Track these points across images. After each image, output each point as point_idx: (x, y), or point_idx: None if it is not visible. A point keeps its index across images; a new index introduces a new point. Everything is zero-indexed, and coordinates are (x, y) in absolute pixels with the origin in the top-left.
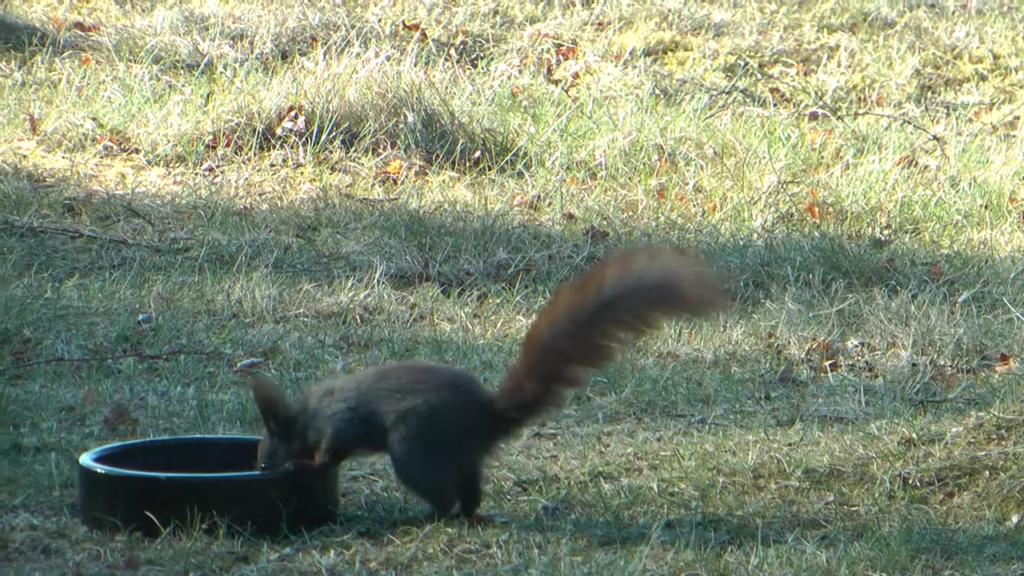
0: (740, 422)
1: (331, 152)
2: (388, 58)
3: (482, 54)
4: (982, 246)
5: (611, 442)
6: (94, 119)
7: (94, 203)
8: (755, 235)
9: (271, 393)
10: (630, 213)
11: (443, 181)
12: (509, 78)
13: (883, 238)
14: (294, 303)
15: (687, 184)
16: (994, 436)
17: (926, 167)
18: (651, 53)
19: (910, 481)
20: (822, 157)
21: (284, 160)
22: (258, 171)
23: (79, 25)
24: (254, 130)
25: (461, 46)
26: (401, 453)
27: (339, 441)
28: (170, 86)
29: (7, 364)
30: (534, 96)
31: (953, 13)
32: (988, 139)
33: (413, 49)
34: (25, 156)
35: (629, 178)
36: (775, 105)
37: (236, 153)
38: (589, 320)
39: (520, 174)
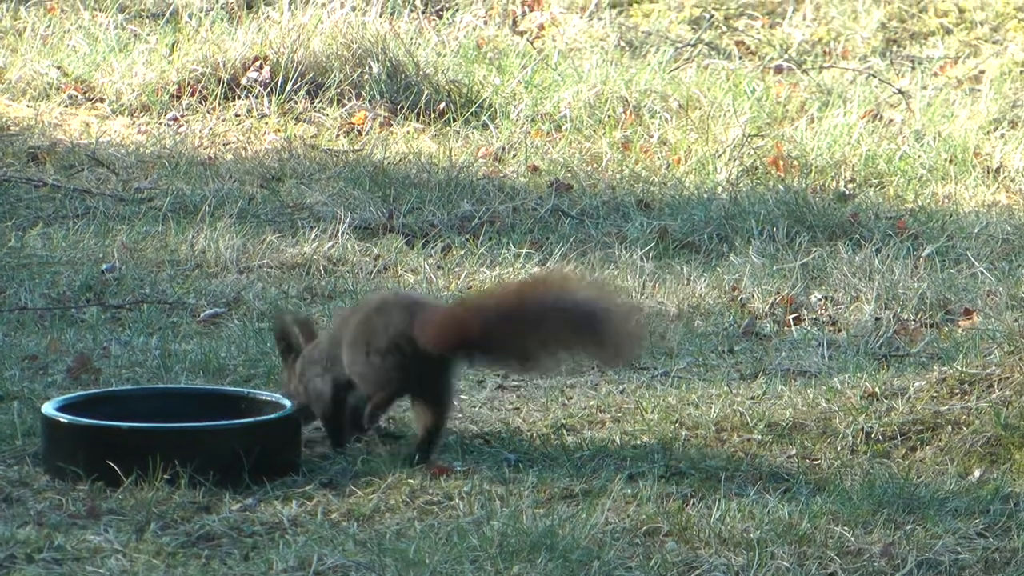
0: (703, 375)
1: (296, 103)
2: (353, 8)
3: (447, 5)
4: (946, 200)
5: (574, 395)
6: (59, 68)
7: (58, 152)
8: (719, 188)
9: (285, 327)
10: (594, 165)
11: (408, 132)
12: (474, 29)
13: (847, 192)
14: (258, 254)
15: (652, 137)
16: (957, 391)
17: (891, 121)
18: (616, 5)
19: (873, 435)
20: (787, 110)
21: (249, 110)
22: (223, 121)
23: None
24: (219, 80)
25: None
26: (350, 359)
27: (325, 409)
28: (135, 35)
29: None
30: (499, 48)
31: None
32: (953, 93)
33: None
34: None
35: (594, 130)
36: (740, 58)
37: (201, 103)
38: (512, 319)
39: (485, 126)
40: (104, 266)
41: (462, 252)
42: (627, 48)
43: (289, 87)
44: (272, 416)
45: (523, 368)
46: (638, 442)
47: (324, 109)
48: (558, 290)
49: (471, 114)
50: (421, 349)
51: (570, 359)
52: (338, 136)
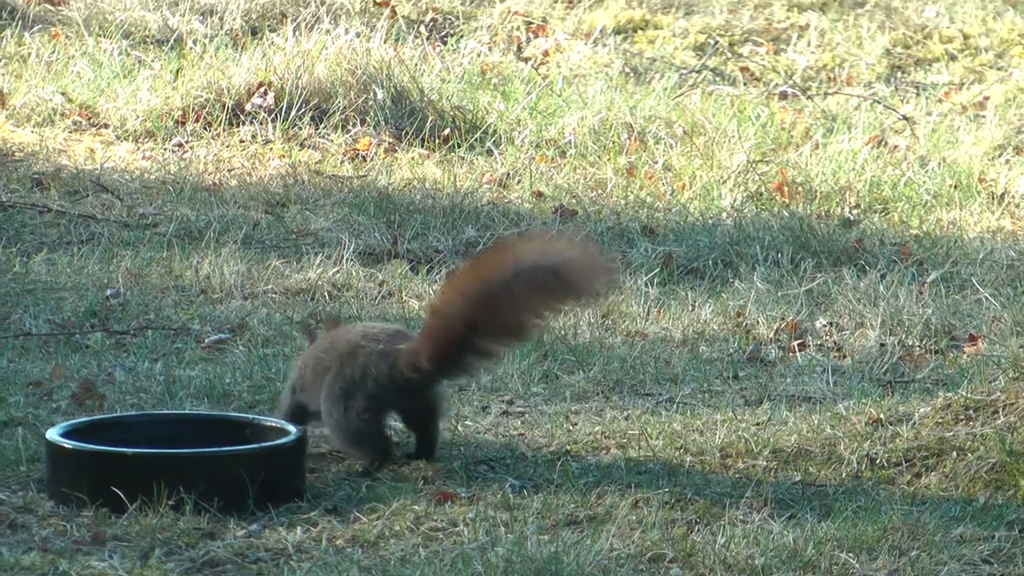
0: (708, 401)
1: (300, 128)
2: (358, 34)
3: (452, 31)
4: (951, 226)
5: (579, 421)
6: (63, 94)
7: (63, 178)
8: (724, 214)
9: (311, 331)
10: (599, 191)
11: (412, 158)
12: (479, 55)
13: (852, 218)
14: (262, 279)
15: (656, 163)
16: (962, 417)
17: (895, 147)
18: (621, 31)
19: (878, 461)
20: (791, 136)
21: (253, 136)
22: (227, 147)
23: (48, 0)
24: (223, 106)
25: (431, 23)
26: (324, 414)
27: (281, 415)
28: (139, 61)
29: None
30: (504, 73)
31: None
32: (958, 119)
33: (383, 26)
34: None
35: (598, 156)
36: (745, 84)
37: (205, 129)
38: (490, 297)
39: (489, 152)
40: (109, 292)
41: None
42: (632, 74)
43: (293, 113)
44: (277, 442)
45: (518, 339)
46: (643, 468)
47: (328, 135)
48: (513, 257)
49: (476, 140)
50: (409, 381)
51: (554, 313)
52: (343, 162)
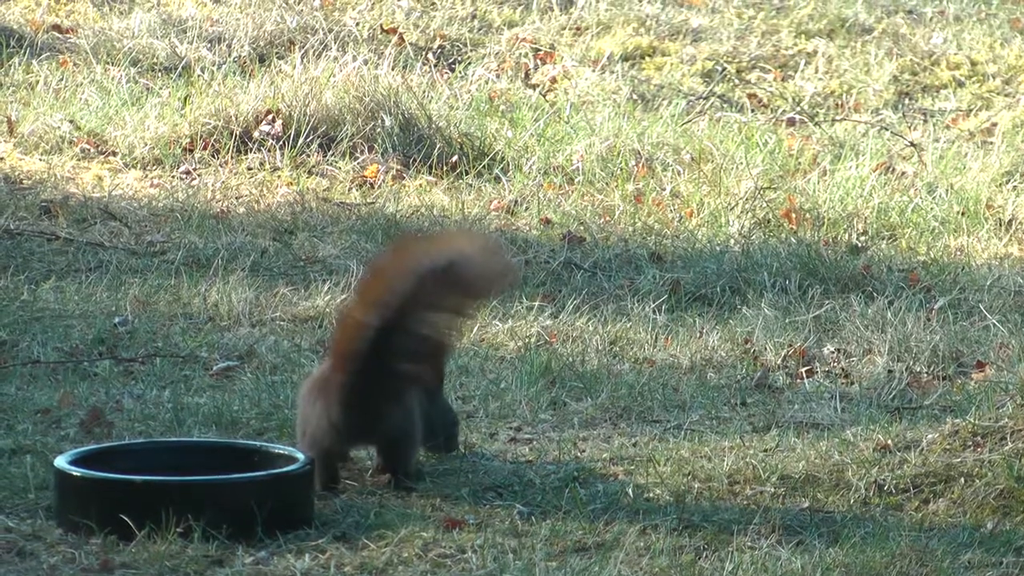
0: (716, 428)
1: (308, 156)
2: (365, 62)
3: (460, 58)
4: (959, 253)
5: (587, 447)
6: (71, 121)
7: (71, 205)
8: (732, 241)
9: None
10: (607, 218)
11: (420, 185)
12: (486, 82)
13: (860, 244)
14: (270, 307)
15: (664, 189)
16: (970, 443)
17: (903, 173)
18: (629, 58)
19: (885, 488)
20: (799, 163)
21: (261, 163)
22: (235, 174)
23: (56, 27)
24: (231, 133)
25: (439, 50)
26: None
27: None
28: (147, 89)
29: None
30: (511, 100)
31: (931, 19)
32: (965, 146)
33: (390, 53)
34: (1, 158)
35: (606, 183)
36: (752, 111)
37: (213, 156)
38: (402, 298)
39: (497, 179)
40: (117, 319)
41: None
42: (639, 101)
43: (301, 140)
44: (285, 469)
45: (432, 352)
46: (651, 494)
47: (336, 162)
48: (412, 259)
49: (483, 167)
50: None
51: (461, 316)
52: (350, 189)
